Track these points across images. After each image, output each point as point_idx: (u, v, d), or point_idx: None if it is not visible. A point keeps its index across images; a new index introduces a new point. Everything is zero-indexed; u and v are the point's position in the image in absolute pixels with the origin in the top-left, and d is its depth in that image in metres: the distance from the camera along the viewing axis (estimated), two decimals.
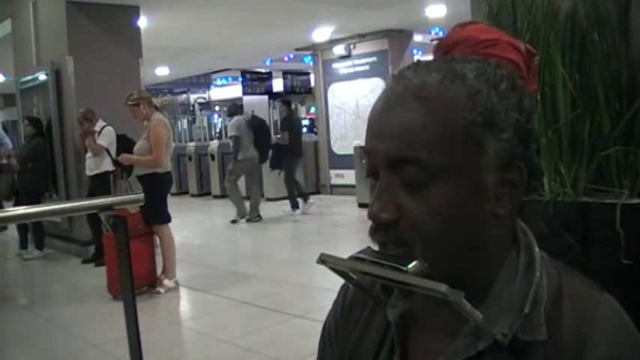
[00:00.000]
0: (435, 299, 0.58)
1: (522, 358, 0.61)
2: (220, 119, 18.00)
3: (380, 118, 0.64)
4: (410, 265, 0.60)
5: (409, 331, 0.71)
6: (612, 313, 0.63)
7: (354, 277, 0.71)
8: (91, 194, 5.66)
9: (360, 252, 0.64)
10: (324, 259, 0.66)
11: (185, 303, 4.86)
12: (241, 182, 8.21)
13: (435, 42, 0.74)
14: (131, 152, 4.89)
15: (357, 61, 10.32)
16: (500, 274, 0.66)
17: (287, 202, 8.60)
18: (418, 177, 0.61)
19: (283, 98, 10.51)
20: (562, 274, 0.66)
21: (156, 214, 4.75)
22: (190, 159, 11.79)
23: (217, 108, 18.31)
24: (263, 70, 14.49)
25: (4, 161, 7.07)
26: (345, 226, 7.63)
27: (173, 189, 6.53)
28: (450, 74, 0.63)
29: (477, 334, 0.63)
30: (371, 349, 0.74)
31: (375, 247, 0.65)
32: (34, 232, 6.68)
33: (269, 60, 13.42)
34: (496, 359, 0.62)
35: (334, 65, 10.70)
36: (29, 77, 7.29)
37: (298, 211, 8.48)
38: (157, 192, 4.67)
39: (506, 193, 0.64)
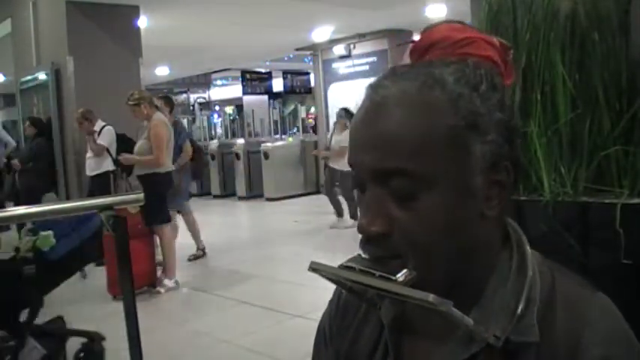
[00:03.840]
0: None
1: None
2: (220, 119, 18.01)
3: (362, 130, 0.63)
4: (399, 275, 0.59)
5: (403, 334, 0.70)
6: (606, 314, 0.62)
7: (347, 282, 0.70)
8: (91, 194, 5.65)
9: (351, 260, 0.63)
10: (315, 268, 0.65)
11: (185, 303, 4.86)
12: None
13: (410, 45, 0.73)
14: (131, 152, 4.90)
15: (357, 61, 10.33)
16: (493, 276, 0.65)
17: (289, 201, 8.61)
18: (407, 187, 0.60)
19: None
20: (555, 273, 0.65)
21: (156, 214, 4.76)
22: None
23: (217, 108, 18.33)
24: (263, 70, 14.48)
25: (4, 160, 7.06)
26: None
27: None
28: (429, 80, 0.61)
29: (470, 337, 0.62)
30: (365, 350, 0.73)
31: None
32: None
33: (269, 60, 13.42)
34: None
35: (334, 65, 10.70)
36: (29, 77, 7.29)
37: None
38: (157, 192, 4.68)
39: (495, 194, 0.62)
